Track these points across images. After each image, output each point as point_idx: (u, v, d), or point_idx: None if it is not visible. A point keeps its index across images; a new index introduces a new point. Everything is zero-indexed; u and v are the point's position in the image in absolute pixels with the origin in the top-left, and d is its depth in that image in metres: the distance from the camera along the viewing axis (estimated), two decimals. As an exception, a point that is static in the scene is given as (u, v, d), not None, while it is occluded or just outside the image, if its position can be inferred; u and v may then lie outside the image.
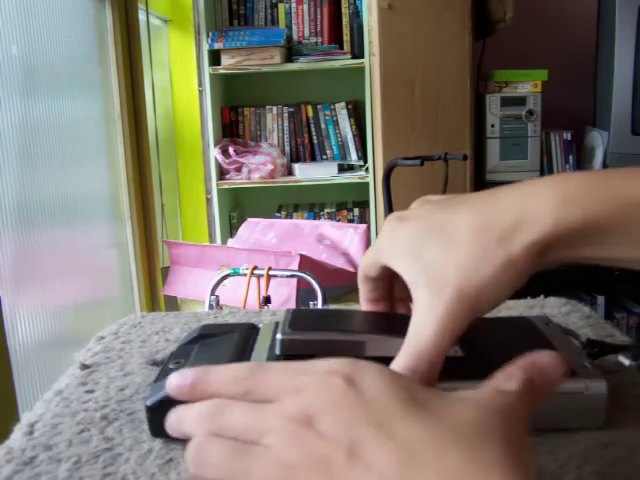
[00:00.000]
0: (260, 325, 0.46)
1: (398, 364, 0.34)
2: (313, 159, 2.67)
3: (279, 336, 0.39)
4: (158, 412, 0.37)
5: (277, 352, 0.39)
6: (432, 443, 0.27)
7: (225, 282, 1.65)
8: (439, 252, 0.35)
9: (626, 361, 0.42)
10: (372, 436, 0.28)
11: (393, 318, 0.44)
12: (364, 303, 0.44)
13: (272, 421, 0.29)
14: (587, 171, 0.35)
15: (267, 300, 1.58)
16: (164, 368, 0.43)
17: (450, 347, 0.34)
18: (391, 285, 0.43)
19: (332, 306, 1.35)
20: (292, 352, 0.39)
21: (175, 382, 0.33)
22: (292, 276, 1.63)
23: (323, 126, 2.64)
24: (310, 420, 0.29)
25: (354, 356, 0.38)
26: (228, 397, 0.32)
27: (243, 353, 0.42)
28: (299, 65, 2.47)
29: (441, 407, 0.29)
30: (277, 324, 0.44)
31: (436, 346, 0.34)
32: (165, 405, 0.35)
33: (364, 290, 0.43)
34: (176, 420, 0.32)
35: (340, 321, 0.44)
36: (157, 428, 0.39)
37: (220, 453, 0.29)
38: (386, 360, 0.36)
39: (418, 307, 0.35)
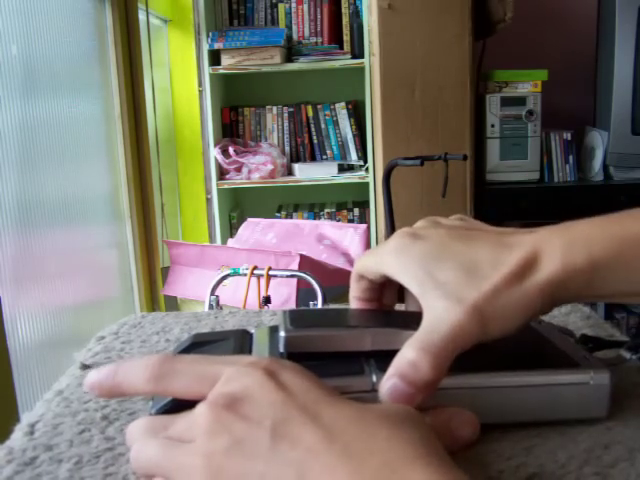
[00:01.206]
0: (252, 331, 0.46)
1: (403, 355, 0.34)
2: (313, 159, 2.67)
3: (282, 334, 0.39)
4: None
5: (281, 350, 0.39)
6: (357, 422, 0.28)
7: (225, 282, 1.65)
8: (454, 275, 0.36)
9: (627, 354, 0.42)
10: (297, 416, 0.28)
11: (393, 314, 0.44)
12: (353, 301, 0.44)
13: (192, 417, 0.30)
14: (589, 218, 0.37)
15: (267, 300, 1.58)
16: None
17: (455, 356, 0.34)
18: (382, 290, 0.44)
19: (332, 306, 1.35)
20: (297, 349, 0.38)
21: (89, 381, 0.35)
22: (292, 276, 1.63)
23: (323, 126, 2.64)
24: (231, 405, 0.29)
25: (359, 351, 0.38)
26: (138, 388, 0.33)
27: None
28: (299, 65, 2.47)
29: (363, 403, 0.31)
30: (271, 328, 0.43)
31: (445, 348, 0.34)
32: (169, 410, 0.35)
33: (356, 288, 0.43)
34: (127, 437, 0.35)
35: (340, 317, 0.44)
36: None
37: (153, 451, 0.31)
38: (392, 354, 0.36)
39: (432, 311, 0.35)
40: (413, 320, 0.38)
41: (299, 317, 0.42)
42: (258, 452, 0.28)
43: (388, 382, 0.34)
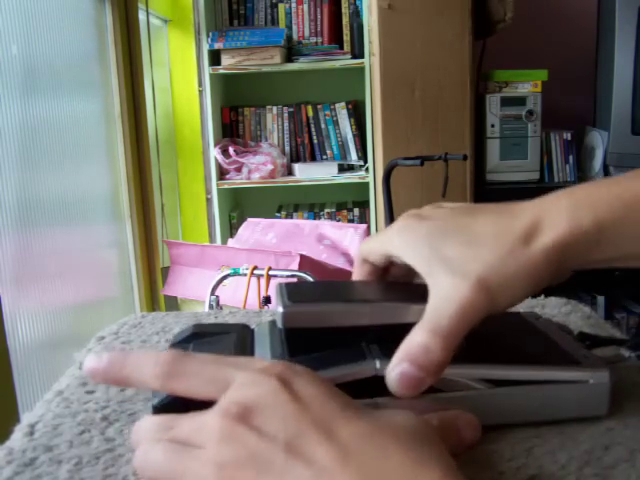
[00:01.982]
0: (253, 326, 0.45)
1: (412, 339, 0.34)
2: (313, 159, 2.67)
3: (281, 309, 0.37)
4: (164, 412, 0.37)
5: (280, 326, 0.37)
6: (372, 440, 0.28)
7: (225, 282, 1.65)
8: (460, 250, 0.35)
9: (626, 352, 0.42)
10: (311, 434, 0.27)
11: (395, 286, 0.43)
12: None
13: (203, 422, 0.29)
14: (593, 181, 0.36)
15: (267, 300, 1.58)
16: None
17: (465, 334, 0.34)
18: (385, 273, 0.43)
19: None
20: (296, 325, 0.37)
21: (89, 364, 0.33)
22: (292, 276, 1.63)
23: (323, 126, 2.64)
24: (244, 416, 0.28)
25: (361, 326, 0.37)
26: (146, 383, 0.32)
27: (244, 352, 0.41)
28: (299, 65, 2.47)
29: (377, 413, 0.30)
30: (271, 323, 0.42)
31: (455, 328, 0.33)
32: (171, 403, 0.35)
33: (359, 273, 0.43)
34: (132, 438, 0.34)
35: (340, 291, 0.42)
36: None
37: (160, 455, 0.30)
38: (394, 328, 0.35)
39: (438, 290, 0.35)
40: (414, 292, 0.38)
41: (297, 291, 0.40)
42: (271, 468, 0.27)
43: (397, 367, 0.33)
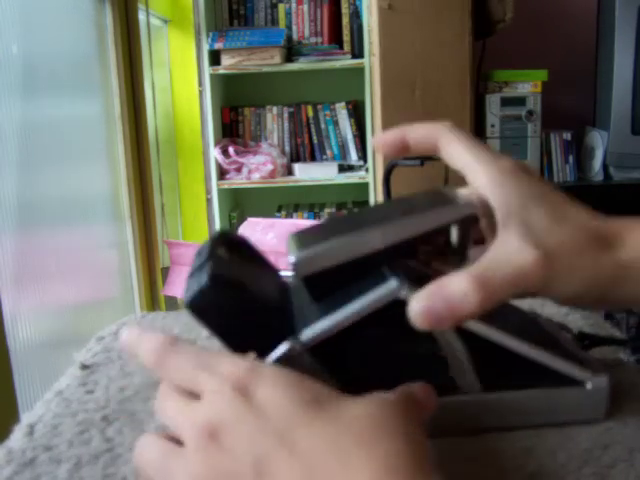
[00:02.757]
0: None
1: (454, 281, 0.33)
2: (313, 159, 2.67)
3: (292, 259, 0.37)
4: (197, 306, 0.36)
5: (296, 277, 0.37)
6: (334, 449, 0.28)
7: (225, 282, 1.64)
8: (546, 222, 0.34)
9: (625, 356, 0.42)
10: (275, 450, 0.28)
11: (398, 202, 0.42)
12: None
13: (186, 426, 0.31)
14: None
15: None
16: (202, 263, 0.39)
17: (504, 300, 0.33)
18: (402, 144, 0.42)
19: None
20: (311, 270, 0.37)
21: (123, 337, 0.36)
22: (292, 276, 1.63)
23: (323, 126, 2.64)
24: (214, 434, 0.30)
25: (377, 251, 0.36)
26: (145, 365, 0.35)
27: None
28: (299, 65, 2.47)
29: (336, 405, 0.30)
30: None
31: (502, 290, 0.33)
32: (204, 296, 0.35)
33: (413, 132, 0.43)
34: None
35: (347, 223, 0.41)
36: (206, 322, 0.36)
37: (153, 453, 0.32)
38: (413, 242, 0.35)
39: (505, 247, 0.34)
40: (421, 202, 0.37)
41: (305, 236, 0.39)
42: None
43: (427, 301, 0.32)
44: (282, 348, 0.35)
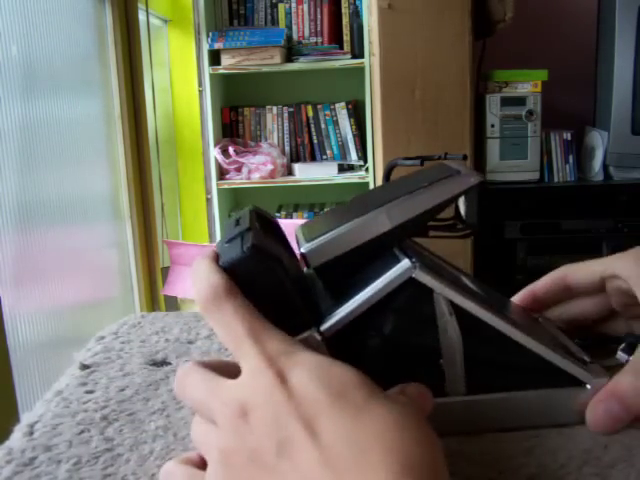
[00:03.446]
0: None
1: (623, 381, 0.36)
2: (313, 159, 2.67)
3: (303, 250, 0.37)
4: (234, 272, 0.35)
5: (307, 268, 0.37)
6: (354, 443, 0.29)
7: (225, 282, 1.64)
8: None
9: (623, 356, 0.41)
10: (299, 433, 0.29)
11: (399, 182, 0.42)
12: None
13: (217, 405, 0.32)
14: None
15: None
16: (241, 232, 0.38)
17: None
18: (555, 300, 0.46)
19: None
20: (322, 260, 0.37)
21: None
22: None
23: (323, 126, 2.64)
24: (244, 412, 0.31)
25: (386, 232, 0.37)
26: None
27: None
28: (299, 65, 2.47)
29: (363, 399, 0.30)
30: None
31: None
32: (243, 263, 0.34)
33: (544, 287, 0.45)
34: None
35: (352, 210, 0.40)
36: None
37: (196, 422, 0.34)
38: (421, 219, 0.35)
39: None
40: (422, 179, 0.37)
41: (313, 228, 0.39)
42: (265, 466, 0.29)
43: (603, 404, 0.35)
44: (302, 337, 0.35)
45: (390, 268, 0.36)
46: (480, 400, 0.37)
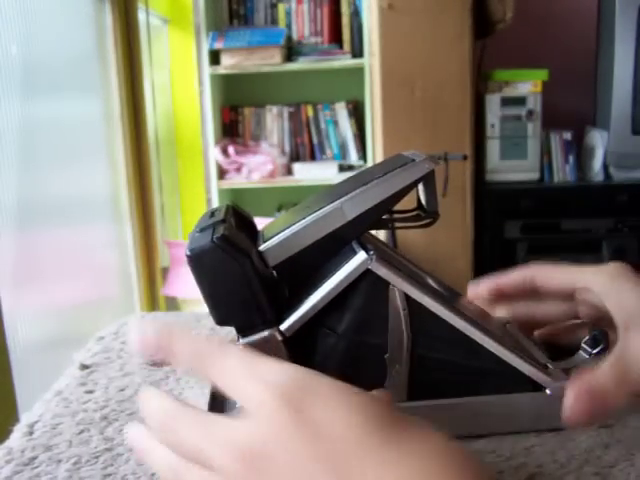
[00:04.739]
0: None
1: (597, 380, 0.35)
2: (313, 159, 2.67)
3: (260, 249, 0.36)
4: (199, 260, 0.35)
5: (266, 266, 0.36)
6: None
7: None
8: None
9: (587, 349, 0.40)
10: (325, 479, 0.25)
11: (356, 177, 0.42)
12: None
13: (216, 450, 0.26)
14: None
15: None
16: (214, 223, 0.38)
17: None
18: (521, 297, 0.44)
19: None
20: (280, 258, 0.36)
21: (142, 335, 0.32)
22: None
23: (323, 126, 2.64)
24: (252, 461, 0.25)
25: (343, 225, 0.36)
26: (184, 365, 0.31)
27: None
28: (299, 65, 2.47)
29: (402, 434, 0.26)
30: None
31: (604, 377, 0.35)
32: (209, 252, 0.34)
33: (510, 281, 0.44)
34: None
35: (310, 206, 0.40)
36: (200, 279, 0.35)
37: (164, 463, 0.28)
38: (376, 210, 0.35)
39: (635, 346, 0.36)
40: (378, 170, 0.37)
41: (271, 228, 0.39)
42: None
43: (580, 398, 0.35)
44: (261, 335, 0.35)
45: (347, 262, 0.35)
46: (441, 405, 0.37)
